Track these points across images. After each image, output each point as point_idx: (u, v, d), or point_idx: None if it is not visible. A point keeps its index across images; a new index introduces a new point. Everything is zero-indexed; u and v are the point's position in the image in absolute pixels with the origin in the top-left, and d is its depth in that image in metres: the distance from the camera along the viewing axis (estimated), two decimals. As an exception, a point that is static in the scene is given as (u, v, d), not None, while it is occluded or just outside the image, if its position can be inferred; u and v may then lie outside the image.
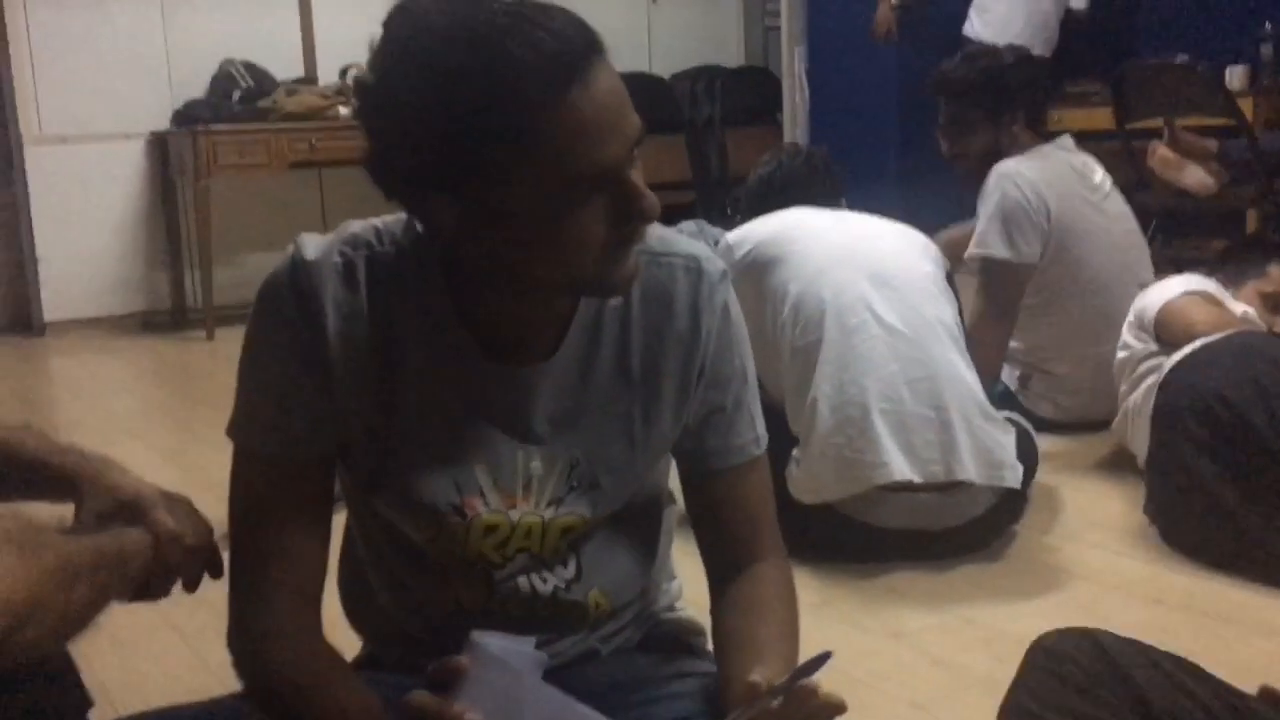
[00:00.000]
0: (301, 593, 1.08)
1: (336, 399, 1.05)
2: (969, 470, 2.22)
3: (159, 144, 5.60)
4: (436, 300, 1.06)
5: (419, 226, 1.04)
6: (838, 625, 2.04)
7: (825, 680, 0.92)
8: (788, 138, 5.99)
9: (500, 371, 1.07)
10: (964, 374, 2.29)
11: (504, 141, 0.91)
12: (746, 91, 6.48)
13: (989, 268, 2.92)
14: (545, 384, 1.08)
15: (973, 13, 5.04)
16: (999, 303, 2.92)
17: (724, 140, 6.34)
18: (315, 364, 1.04)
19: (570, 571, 1.13)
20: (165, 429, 4.03)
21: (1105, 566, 2.28)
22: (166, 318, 5.71)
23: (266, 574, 1.07)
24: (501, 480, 1.09)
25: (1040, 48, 4.69)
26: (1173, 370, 2.36)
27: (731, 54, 6.88)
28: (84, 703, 1.17)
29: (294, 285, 1.04)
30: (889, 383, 2.22)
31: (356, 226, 1.09)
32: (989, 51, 3.13)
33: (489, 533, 1.09)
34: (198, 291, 5.48)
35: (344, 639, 1.17)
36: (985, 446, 2.24)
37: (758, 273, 2.33)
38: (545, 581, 1.13)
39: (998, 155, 2.97)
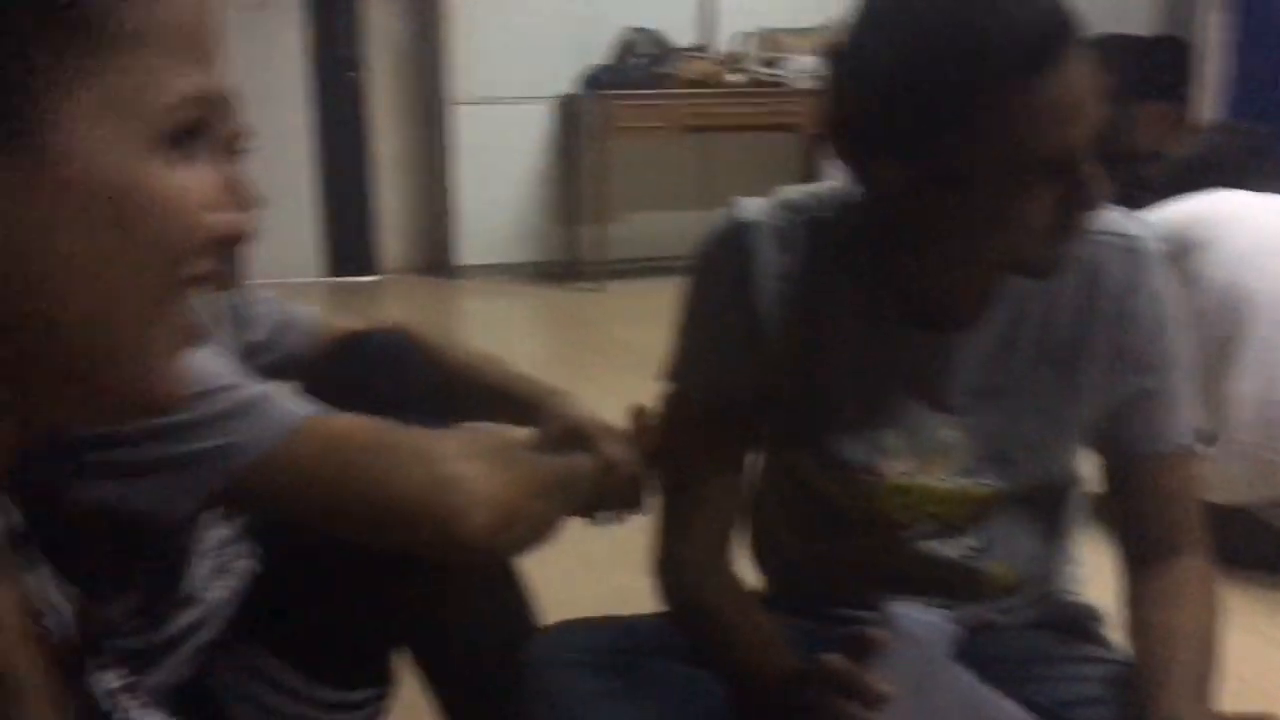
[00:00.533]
0: (720, 528, 1.17)
1: (765, 353, 1.13)
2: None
3: (566, 107, 5.98)
4: (866, 266, 1.10)
5: (862, 190, 1.07)
6: (1243, 635, 1.92)
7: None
8: (1202, 114, 5.55)
9: (922, 338, 1.11)
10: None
11: (975, 111, 0.93)
12: (1154, 62, 6.05)
13: None
14: (965, 353, 1.10)
15: None
16: None
17: (1130, 113, 5.95)
18: (747, 319, 1.12)
19: (976, 541, 1.16)
20: (559, 372, 4.31)
21: None
22: (561, 269, 6.11)
23: (692, 508, 1.17)
24: (915, 445, 1.12)
25: None
26: None
27: (1138, 21, 6.44)
28: (529, 609, 1.32)
29: (731, 243, 1.12)
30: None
31: (793, 193, 1.15)
32: None
33: (898, 494, 1.14)
34: (591, 246, 5.83)
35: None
36: None
37: (1176, 256, 2.21)
38: (950, 548, 1.16)
39: None
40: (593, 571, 2.19)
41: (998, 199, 0.96)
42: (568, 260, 6.09)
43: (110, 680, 0.59)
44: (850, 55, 1.00)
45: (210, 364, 0.97)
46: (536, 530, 1.06)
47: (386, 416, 1.06)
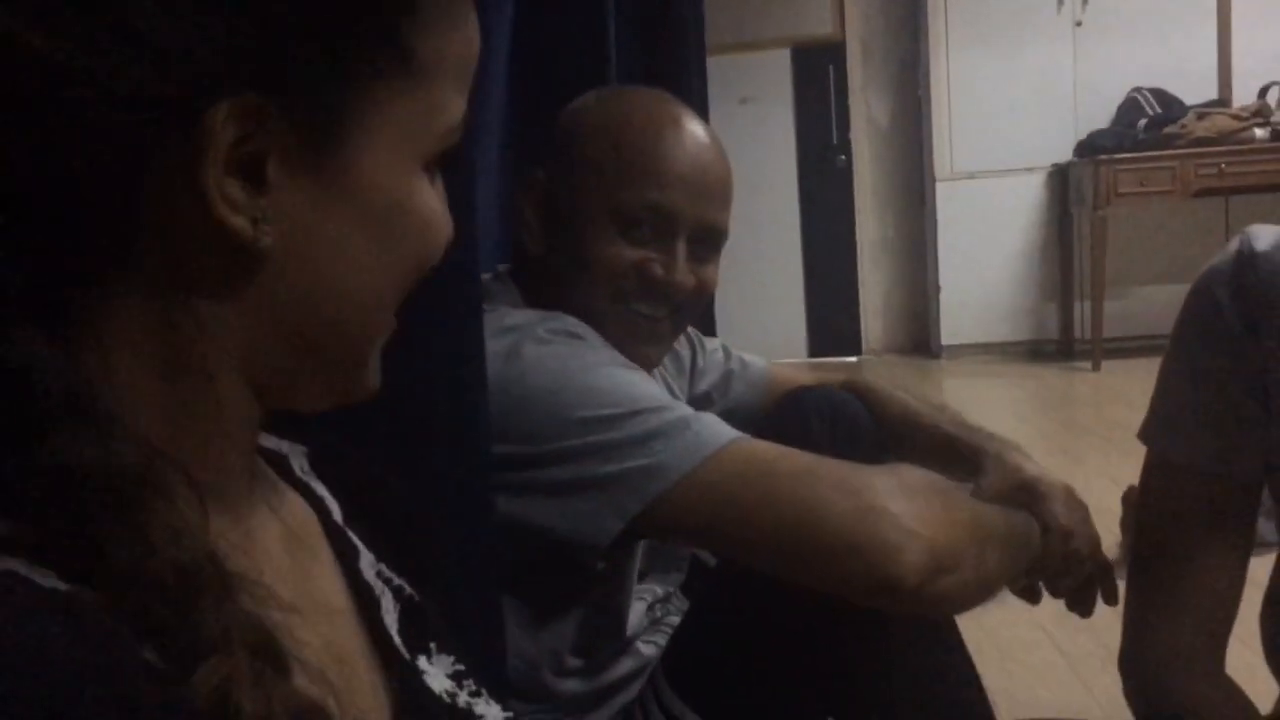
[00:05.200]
0: (1209, 619, 0.98)
1: (1275, 414, 0.93)
2: None
3: (1059, 175, 5.68)
4: None
5: None
6: None
7: None
8: None
9: None
10: None
11: None
12: None
13: None
14: None
15: None
16: None
17: None
18: (1251, 370, 0.93)
19: None
20: (1048, 454, 4.04)
21: None
22: (1053, 347, 5.76)
23: (1173, 593, 0.99)
24: None
25: None
26: None
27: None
28: (973, 674, 1.19)
29: (1236, 281, 0.94)
30: None
31: None
32: None
33: None
34: (1086, 322, 5.45)
35: (1259, 687, 1.04)
36: None
37: None
38: None
39: None
40: (1070, 667, 1.97)
41: None
42: (1059, 338, 5.73)
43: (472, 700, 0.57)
44: None
45: (640, 386, 0.97)
46: (977, 583, 0.93)
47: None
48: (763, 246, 6.22)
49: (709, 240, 1.11)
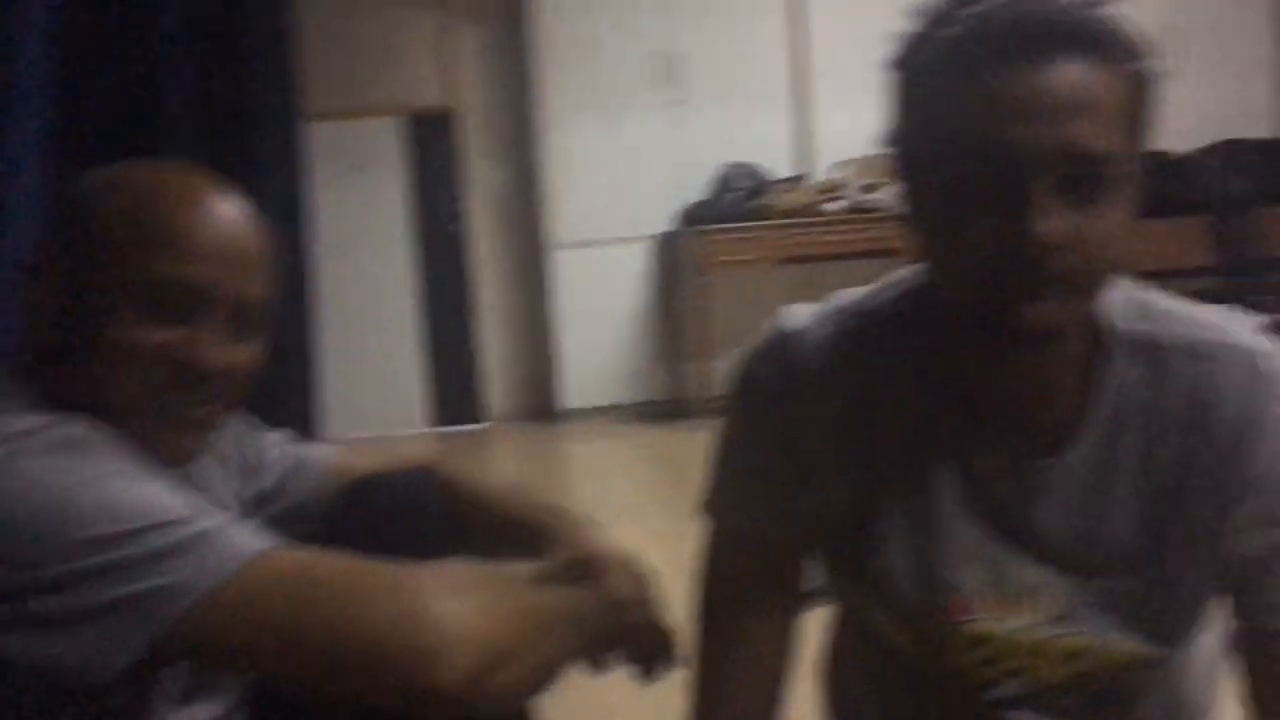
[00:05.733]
0: (762, 684, 1.01)
1: (815, 481, 0.97)
2: None
3: (667, 243, 5.96)
4: (932, 376, 0.95)
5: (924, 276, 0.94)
6: None
7: None
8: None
9: (1000, 462, 0.93)
10: None
11: (935, 108, 0.86)
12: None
13: None
14: (1052, 482, 0.92)
15: None
16: None
17: (1256, 221, 5.67)
18: (793, 443, 0.97)
19: (1076, 710, 0.96)
20: (658, 512, 4.19)
21: None
22: (665, 408, 6.01)
23: (729, 661, 1.00)
24: (996, 585, 0.94)
25: None
26: None
27: (1262, 124, 6.19)
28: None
29: (774, 359, 0.98)
30: None
31: (850, 295, 1.01)
32: None
33: (976, 645, 0.95)
34: (694, 383, 5.72)
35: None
36: None
37: None
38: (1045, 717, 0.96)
39: None
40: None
41: (948, 211, 0.84)
42: (671, 399, 5.98)
43: None
44: (892, 136, 0.91)
45: (156, 499, 0.86)
46: (535, 673, 0.90)
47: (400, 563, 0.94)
48: (379, 316, 6.10)
49: (246, 316, 1.02)
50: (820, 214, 5.47)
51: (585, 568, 1.05)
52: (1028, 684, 0.96)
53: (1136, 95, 0.82)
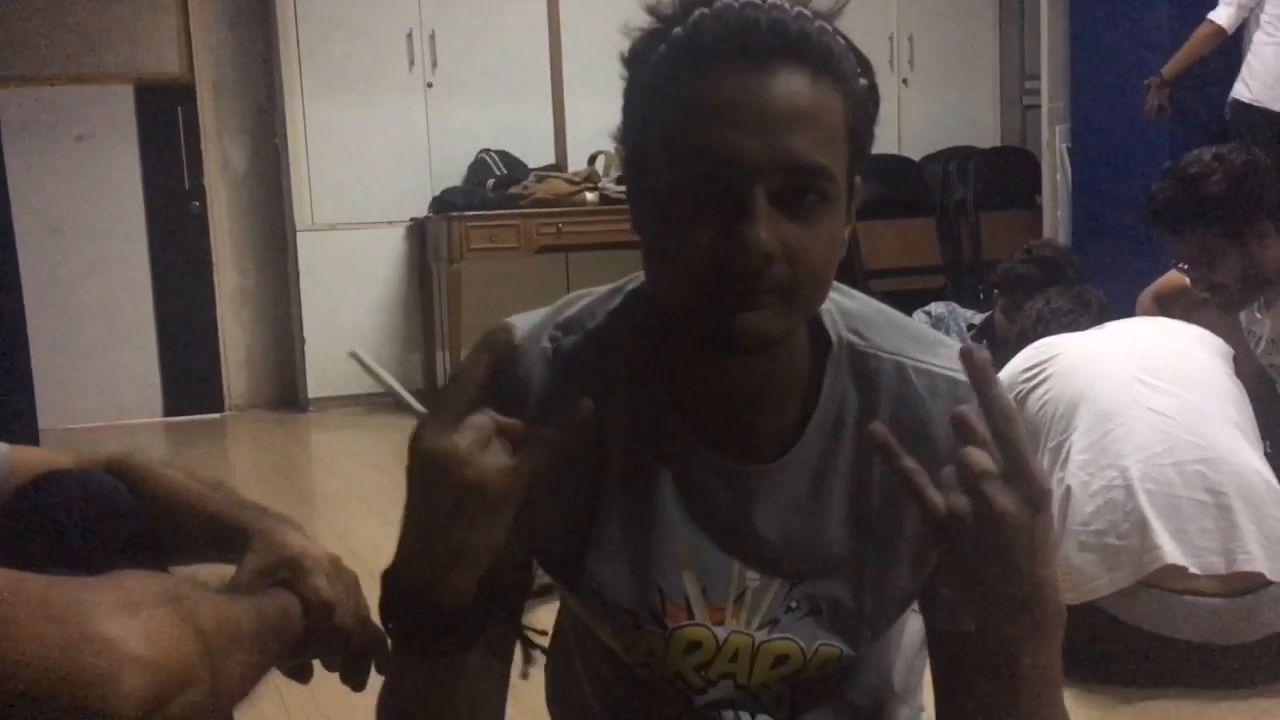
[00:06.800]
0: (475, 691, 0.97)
1: (533, 492, 0.95)
2: (1257, 560, 1.94)
3: (418, 230, 5.84)
4: (651, 383, 0.94)
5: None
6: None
7: None
8: (1047, 219, 5.66)
9: (719, 468, 0.93)
10: (1249, 459, 2.05)
11: (653, 109, 0.86)
12: (1002, 173, 6.19)
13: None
14: (770, 489, 0.93)
15: (1243, 71, 4.57)
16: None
17: (978, 223, 6.08)
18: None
19: (784, 712, 0.98)
20: (401, 504, 4.10)
21: None
22: (415, 397, 5.90)
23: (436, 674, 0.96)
24: (711, 590, 0.95)
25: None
26: None
27: (987, 134, 6.62)
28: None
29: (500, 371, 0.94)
30: (1154, 464, 2.01)
31: (575, 305, 0.98)
32: (1197, 162, 2.28)
33: (691, 650, 0.95)
34: (448, 371, 5.63)
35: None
36: (1280, 537, 1.96)
37: (1020, 402, 2.18)
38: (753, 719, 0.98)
39: (1259, 272, 2.31)
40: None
41: (665, 215, 0.83)
42: (424, 388, 5.88)
43: None
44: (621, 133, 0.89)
45: None
46: (226, 689, 0.84)
47: (80, 571, 0.85)
48: (109, 296, 5.72)
49: None
50: (576, 204, 5.48)
51: (290, 569, 1.00)
52: (739, 689, 0.96)
53: (857, 110, 0.84)
